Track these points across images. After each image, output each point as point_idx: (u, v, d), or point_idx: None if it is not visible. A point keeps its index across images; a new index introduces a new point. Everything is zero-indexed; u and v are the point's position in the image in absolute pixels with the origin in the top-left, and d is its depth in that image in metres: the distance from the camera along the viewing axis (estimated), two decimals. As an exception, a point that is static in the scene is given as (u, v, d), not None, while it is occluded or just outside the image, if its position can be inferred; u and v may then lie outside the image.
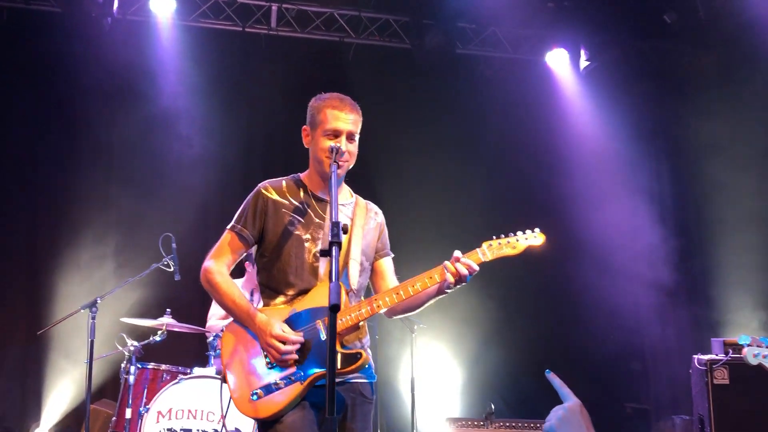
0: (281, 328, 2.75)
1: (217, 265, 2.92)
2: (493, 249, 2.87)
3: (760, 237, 6.71)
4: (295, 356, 2.75)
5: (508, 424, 5.24)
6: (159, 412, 5.05)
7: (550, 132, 7.79)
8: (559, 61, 7.78)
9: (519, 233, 2.91)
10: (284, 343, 2.73)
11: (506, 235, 2.90)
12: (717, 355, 5.43)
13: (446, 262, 2.81)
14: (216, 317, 5.83)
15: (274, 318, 2.79)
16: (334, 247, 2.27)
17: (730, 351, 5.37)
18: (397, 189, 7.46)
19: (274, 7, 7.33)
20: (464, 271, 2.78)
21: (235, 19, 7.30)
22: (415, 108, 7.86)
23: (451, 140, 7.87)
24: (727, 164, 7.09)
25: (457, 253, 2.82)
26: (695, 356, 5.57)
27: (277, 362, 2.76)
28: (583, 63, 7.73)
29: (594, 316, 7.30)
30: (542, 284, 7.67)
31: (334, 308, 2.21)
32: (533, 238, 2.91)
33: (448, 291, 2.86)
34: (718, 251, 7.33)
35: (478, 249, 2.87)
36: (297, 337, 2.75)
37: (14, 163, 6.99)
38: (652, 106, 7.99)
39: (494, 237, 2.89)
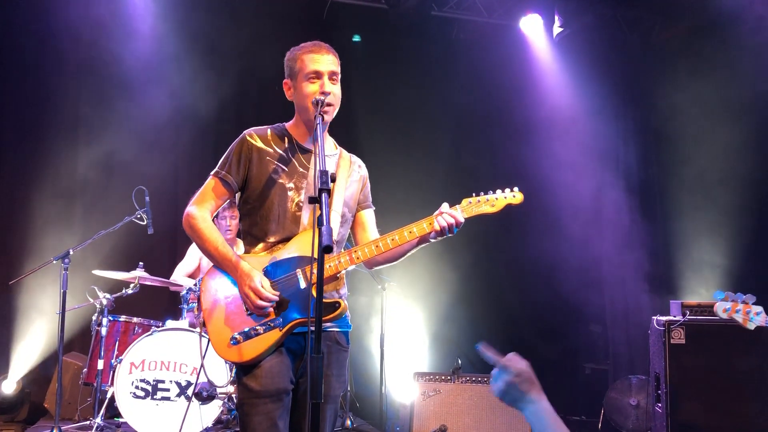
0: (260, 282, 2.77)
1: (200, 211, 2.92)
2: (471, 206, 2.93)
3: (723, 201, 6.92)
4: (268, 311, 2.79)
5: (474, 379, 5.40)
6: (132, 363, 5.11)
7: (521, 97, 7.86)
8: (533, 27, 7.81)
9: (498, 191, 2.97)
10: (260, 297, 2.77)
11: (485, 193, 2.95)
12: (675, 316, 5.65)
13: (436, 214, 2.87)
14: (183, 274, 5.87)
15: (255, 269, 2.82)
16: (323, 194, 2.31)
17: (687, 312, 5.59)
18: (368, 149, 7.50)
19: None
20: (450, 221, 2.85)
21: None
22: (388, 69, 7.86)
23: (424, 102, 7.92)
24: (693, 131, 7.27)
25: (444, 206, 2.89)
26: (654, 317, 5.78)
27: (253, 311, 2.81)
28: (557, 29, 7.78)
29: (556, 278, 7.48)
30: (508, 247, 7.84)
31: (327, 249, 2.24)
32: (513, 198, 2.98)
33: (432, 240, 2.92)
34: (679, 216, 7.55)
35: (457, 206, 2.92)
36: (272, 294, 2.77)
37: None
38: (622, 73, 8.11)
39: (473, 194, 2.94)
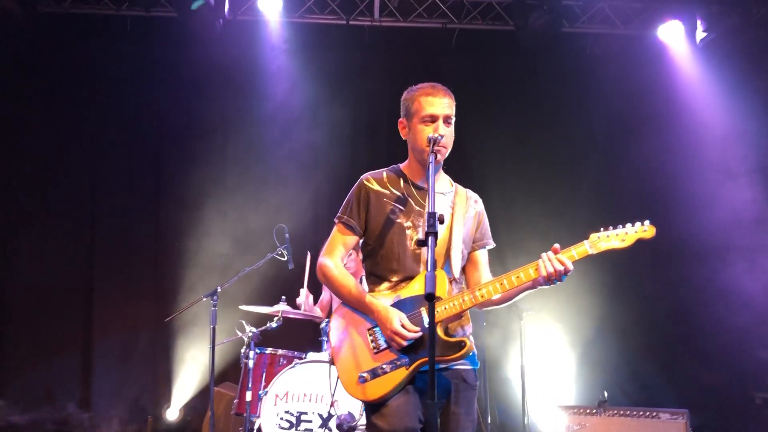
0: (401, 322, 2.83)
1: (330, 259, 3.06)
2: (600, 241, 2.82)
3: None
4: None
5: (622, 413, 5.10)
6: (276, 395, 5.29)
7: (665, 111, 7.44)
8: (673, 35, 7.37)
9: (628, 225, 2.83)
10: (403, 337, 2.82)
11: (615, 227, 2.83)
12: None
13: (543, 255, 2.80)
14: (310, 302, 6.01)
15: (393, 309, 2.88)
16: (430, 237, 2.31)
17: None
18: (501, 175, 7.40)
19: (377, -2, 7.41)
20: (559, 267, 2.75)
21: (340, 13, 7.45)
22: (520, 92, 7.73)
23: (559, 124, 7.69)
24: None
25: (555, 246, 2.80)
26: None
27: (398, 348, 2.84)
28: (700, 35, 7.29)
29: (716, 300, 6.94)
30: (658, 267, 7.35)
31: (429, 297, 2.27)
32: (643, 231, 2.82)
33: (545, 286, 2.84)
34: None
35: (585, 241, 2.83)
36: (415, 330, 2.82)
37: (139, 161, 7.50)
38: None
39: (602, 228, 2.83)
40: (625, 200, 7.39)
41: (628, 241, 2.82)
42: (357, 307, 2.98)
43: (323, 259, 3.08)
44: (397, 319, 2.83)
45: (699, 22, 7.30)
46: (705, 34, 7.30)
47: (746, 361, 7.37)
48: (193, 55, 7.32)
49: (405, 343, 2.82)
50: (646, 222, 2.84)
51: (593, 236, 2.84)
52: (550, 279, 2.78)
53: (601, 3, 7.43)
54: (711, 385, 7.19)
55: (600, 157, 7.66)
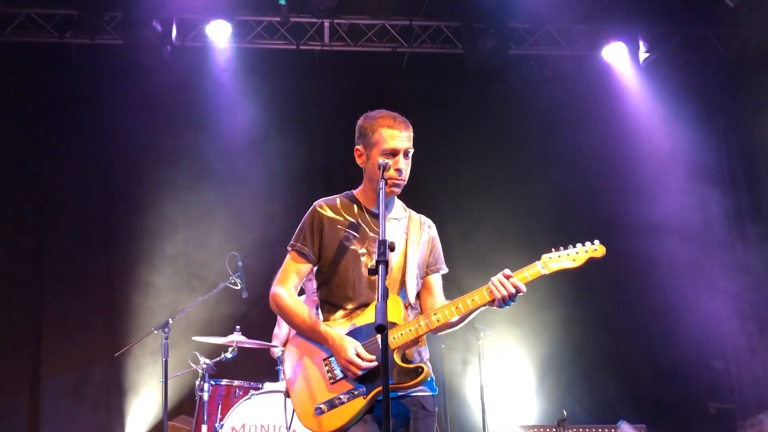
0: (356, 351, 2.78)
1: (283, 288, 3.00)
2: (552, 262, 2.84)
3: None
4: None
5: (581, 430, 5.13)
6: (233, 428, 5.16)
7: (611, 128, 7.61)
8: (617, 55, 7.57)
9: (579, 245, 2.87)
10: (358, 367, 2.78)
11: (565, 248, 2.86)
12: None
13: (493, 279, 2.80)
14: (280, 339, 5.93)
15: (348, 338, 2.83)
16: (381, 266, 2.29)
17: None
18: (452, 197, 7.45)
19: (327, 23, 7.42)
20: (511, 290, 2.77)
21: (290, 38, 7.44)
22: (471, 113, 7.81)
23: (509, 143, 7.80)
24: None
25: (506, 272, 2.80)
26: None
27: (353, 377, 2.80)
28: (643, 55, 7.50)
29: (671, 313, 7.07)
30: (615, 281, 7.45)
31: (379, 329, 2.23)
32: (593, 251, 2.86)
33: (498, 308, 2.85)
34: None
35: (538, 262, 2.84)
36: (369, 363, 2.77)
37: (88, 191, 7.32)
38: (717, 95, 7.71)
39: (553, 249, 2.85)
40: (576, 220, 7.49)
41: (579, 261, 2.85)
42: (311, 336, 2.92)
43: (276, 288, 3.01)
44: (352, 348, 2.78)
45: (641, 43, 7.50)
46: (647, 55, 7.49)
47: (701, 373, 7.51)
48: (141, 83, 7.21)
49: (360, 372, 2.77)
50: (596, 242, 2.88)
51: (545, 257, 2.85)
52: (504, 301, 2.79)
53: (547, 25, 7.58)
54: (668, 398, 7.30)
55: (551, 178, 7.77)
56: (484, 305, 2.86)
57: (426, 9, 7.41)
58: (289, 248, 3.05)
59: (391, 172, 2.88)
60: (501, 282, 2.78)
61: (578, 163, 7.73)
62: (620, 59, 7.60)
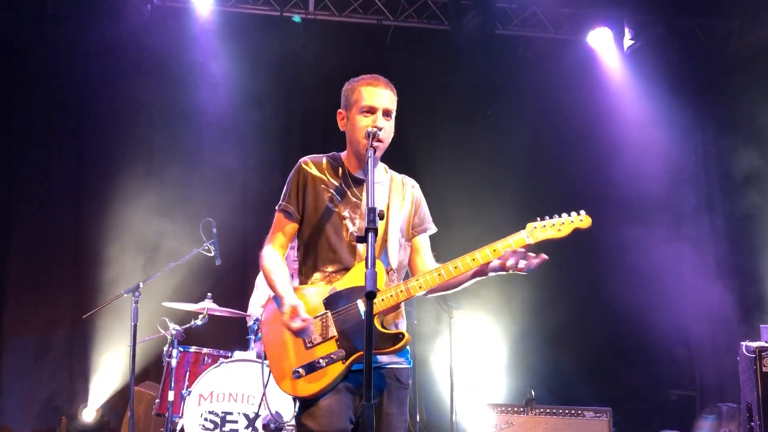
0: (291, 309, 2.69)
1: (269, 249, 2.96)
2: (537, 231, 2.80)
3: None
4: (314, 337, 2.75)
5: (548, 411, 5.18)
6: (200, 395, 5.13)
7: (592, 113, 7.63)
8: (602, 41, 7.56)
9: (564, 215, 2.82)
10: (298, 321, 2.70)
11: (551, 217, 2.82)
12: (766, 342, 5.28)
13: (497, 244, 2.77)
14: (257, 305, 5.87)
15: (315, 299, 2.80)
16: (370, 234, 2.25)
17: (781, 338, 5.22)
18: (434, 173, 7.39)
19: (312, -9, 7.30)
20: (513, 261, 2.74)
21: (273, 4, 7.29)
22: (453, 90, 7.77)
23: (490, 123, 7.79)
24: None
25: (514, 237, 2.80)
26: (743, 343, 5.43)
27: (307, 340, 2.76)
28: (627, 42, 7.51)
29: (637, 300, 7.16)
30: (584, 268, 7.53)
31: (369, 295, 2.20)
32: (579, 221, 2.82)
33: (491, 274, 2.83)
34: (767, 236, 7.12)
35: (522, 231, 2.80)
36: (304, 317, 2.69)
37: (59, 149, 7.14)
38: (700, 83, 7.77)
39: (538, 218, 2.81)
40: (553, 200, 7.51)
41: (565, 231, 2.81)
42: (274, 291, 2.86)
43: (264, 249, 2.98)
44: (288, 309, 2.70)
45: (627, 30, 7.50)
46: (632, 42, 7.51)
47: (663, 360, 7.64)
48: (119, 39, 7.00)
49: (292, 325, 2.67)
50: (582, 212, 2.83)
51: (530, 225, 2.82)
52: (501, 268, 2.77)
53: (534, 7, 7.54)
54: (631, 383, 7.42)
55: (530, 157, 7.78)
56: (479, 269, 2.83)
57: (414, -18, 7.33)
58: (276, 209, 3.00)
59: (369, 128, 2.81)
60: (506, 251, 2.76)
61: (558, 144, 7.76)
62: (605, 45, 7.59)
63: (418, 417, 6.69)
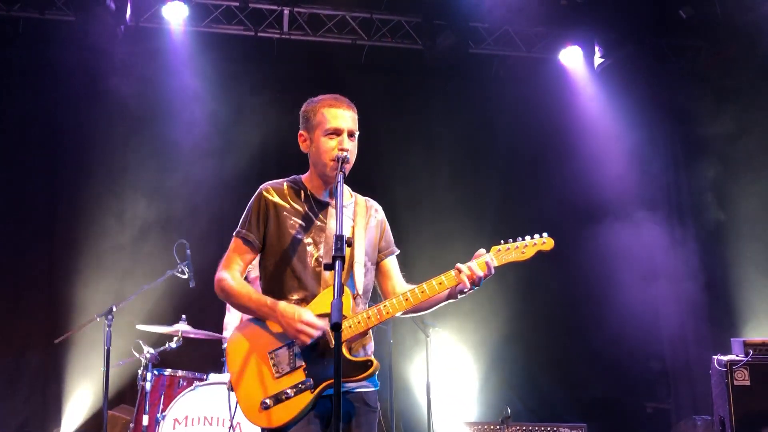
0: (310, 314, 2.70)
1: (227, 273, 2.91)
2: (501, 254, 2.84)
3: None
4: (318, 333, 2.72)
5: (524, 428, 5.20)
6: (175, 419, 5.06)
7: (564, 130, 7.72)
8: (573, 59, 7.69)
9: (527, 238, 2.86)
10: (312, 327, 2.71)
11: (515, 240, 2.86)
12: (738, 355, 5.36)
13: (459, 265, 2.78)
14: (231, 326, 5.84)
15: (295, 306, 2.76)
16: (337, 262, 2.26)
17: (751, 351, 5.29)
18: (407, 192, 7.45)
19: (286, 11, 7.33)
20: (479, 273, 2.76)
21: (248, 24, 7.32)
22: (427, 109, 7.83)
23: (464, 141, 7.86)
24: (744, 161, 6.99)
25: (478, 252, 2.83)
26: (715, 357, 5.50)
27: (299, 350, 2.74)
28: (598, 60, 7.63)
29: (612, 315, 7.23)
30: (559, 283, 7.60)
31: (335, 327, 2.20)
32: (542, 244, 2.87)
33: (461, 295, 2.85)
34: (737, 250, 7.23)
35: (486, 254, 2.83)
36: (323, 323, 2.70)
37: (31, 171, 7.08)
38: (669, 101, 7.90)
39: (502, 241, 2.85)
40: (526, 218, 7.58)
41: (528, 254, 2.85)
42: (260, 313, 2.81)
43: (220, 273, 2.92)
44: (306, 312, 2.71)
45: (597, 49, 7.62)
46: (602, 60, 7.63)
47: (638, 373, 7.71)
48: (91, 61, 6.98)
49: (312, 337, 2.68)
50: (545, 234, 2.88)
51: (494, 249, 2.85)
52: (472, 285, 2.78)
53: (506, 26, 7.64)
54: (607, 397, 7.47)
55: (504, 175, 7.85)
56: (446, 293, 2.85)
57: (387, 3, 7.41)
58: (234, 235, 2.95)
59: (335, 151, 2.81)
60: (468, 266, 2.77)
61: (530, 161, 7.84)
62: (576, 63, 7.72)
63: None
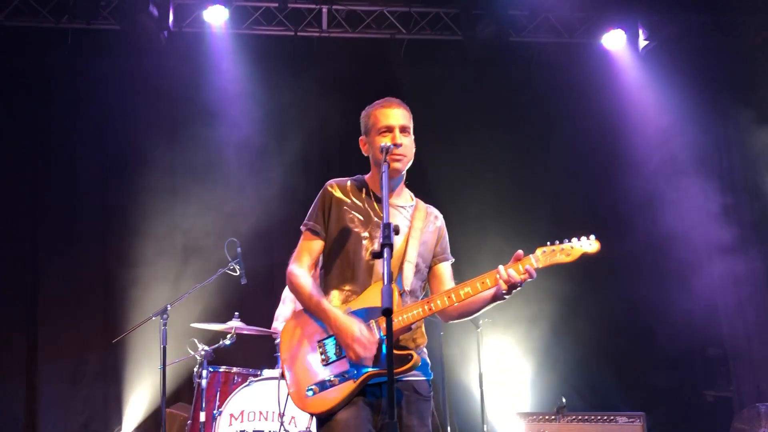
0: (361, 331, 2.79)
1: (297, 267, 3.03)
2: (546, 255, 2.86)
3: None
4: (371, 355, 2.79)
5: (580, 418, 5.13)
6: (231, 415, 5.15)
7: (610, 116, 7.59)
8: (616, 43, 7.53)
9: (574, 240, 2.89)
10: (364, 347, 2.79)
11: (561, 241, 2.88)
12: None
13: (499, 267, 2.82)
14: (282, 318, 5.90)
15: (351, 318, 2.84)
16: (385, 249, 2.29)
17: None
18: (452, 185, 7.41)
19: (325, 9, 7.38)
20: (516, 278, 2.78)
21: (288, 24, 7.38)
22: (469, 100, 7.77)
23: (508, 132, 7.76)
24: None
25: (519, 252, 2.85)
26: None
27: (354, 361, 2.80)
28: (642, 42, 7.47)
29: (666, 301, 7.08)
30: (612, 271, 7.45)
31: (386, 312, 2.24)
32: (588, 246, 2.88)
33: (506, 297, 2.86)
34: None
35: (531, 255, 2.86)
36: (375, 339, 2.79)
37: (86, 179, 7.29)
38: (718, 80, 7.70)
39: (548, 243, 2.87)
40: (573, 208, 7.48)
41: (573, 256, 2.87)
42: (315, 312, 2.92)
43: (291, 267, 3.05)
44: (358, 327, 2.79)
45: (641, 31, 7.47)
46: (647, 42, 7.47)
47: (696, 361, 7.54)
48: (138, 68, 7.17)
49: (363, 353, 2.76)
50: (592, 237, 2.89)
51: (539, 250, 2.88)
52: (510, 288, 2.80)
53: (546, 13, 7.53)
54: (664, 386, 7.32)
55: (549, 166, 7.76)
56: (488, 296, 2.88)
57: (424, -5, 7.39)
58: (302, 228, 3.10)
59: (388, 143, 2.91)
60: (506, 269, 2.80)
61: (576, 151, 7.73)
62: (620, 47, 7.57)
63: (449, 429, 6.66)
